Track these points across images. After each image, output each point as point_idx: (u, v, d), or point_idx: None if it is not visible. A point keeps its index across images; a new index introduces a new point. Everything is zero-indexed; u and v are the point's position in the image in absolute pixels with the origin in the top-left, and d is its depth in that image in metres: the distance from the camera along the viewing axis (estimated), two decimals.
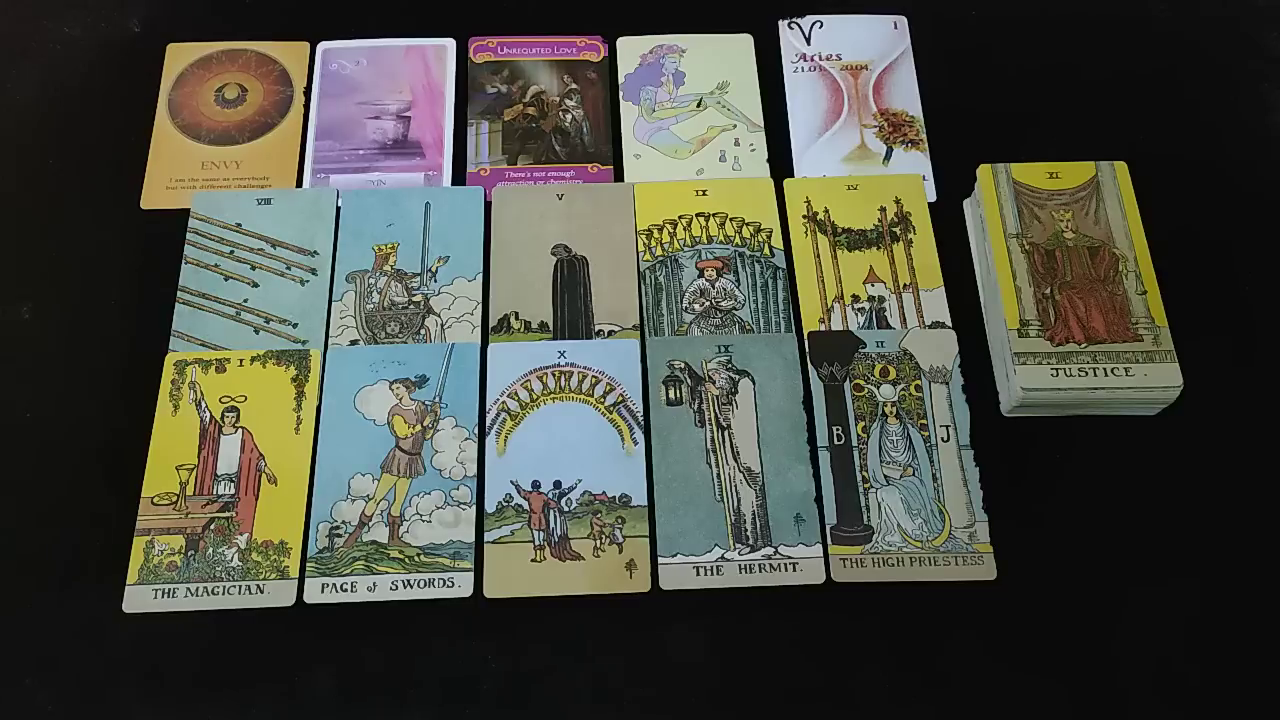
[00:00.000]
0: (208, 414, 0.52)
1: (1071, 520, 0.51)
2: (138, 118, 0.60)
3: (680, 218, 0.57)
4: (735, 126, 0.61)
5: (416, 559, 0.49)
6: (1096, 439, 0.52)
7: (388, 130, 0.60)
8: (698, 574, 0.49)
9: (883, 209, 0.58)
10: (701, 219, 0.57)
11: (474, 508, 0.50)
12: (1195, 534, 0.51)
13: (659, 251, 0.57)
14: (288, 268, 0.56)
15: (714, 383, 0.53)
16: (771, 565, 0.49)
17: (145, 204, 0.58)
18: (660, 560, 0.49)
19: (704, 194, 0.58)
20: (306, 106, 0.61)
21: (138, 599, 0.48)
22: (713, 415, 0.52)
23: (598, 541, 0.50)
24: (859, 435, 0.52)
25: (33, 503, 0.51)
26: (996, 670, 0.47)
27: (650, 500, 0.50)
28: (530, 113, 0.61)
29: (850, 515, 0.50)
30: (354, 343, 0.54)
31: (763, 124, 0.61)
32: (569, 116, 0.61)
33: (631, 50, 0.63)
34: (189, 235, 0.56)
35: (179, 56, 0.62)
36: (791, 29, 0.64)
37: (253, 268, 0.56)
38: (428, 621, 0.48)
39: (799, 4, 0.64)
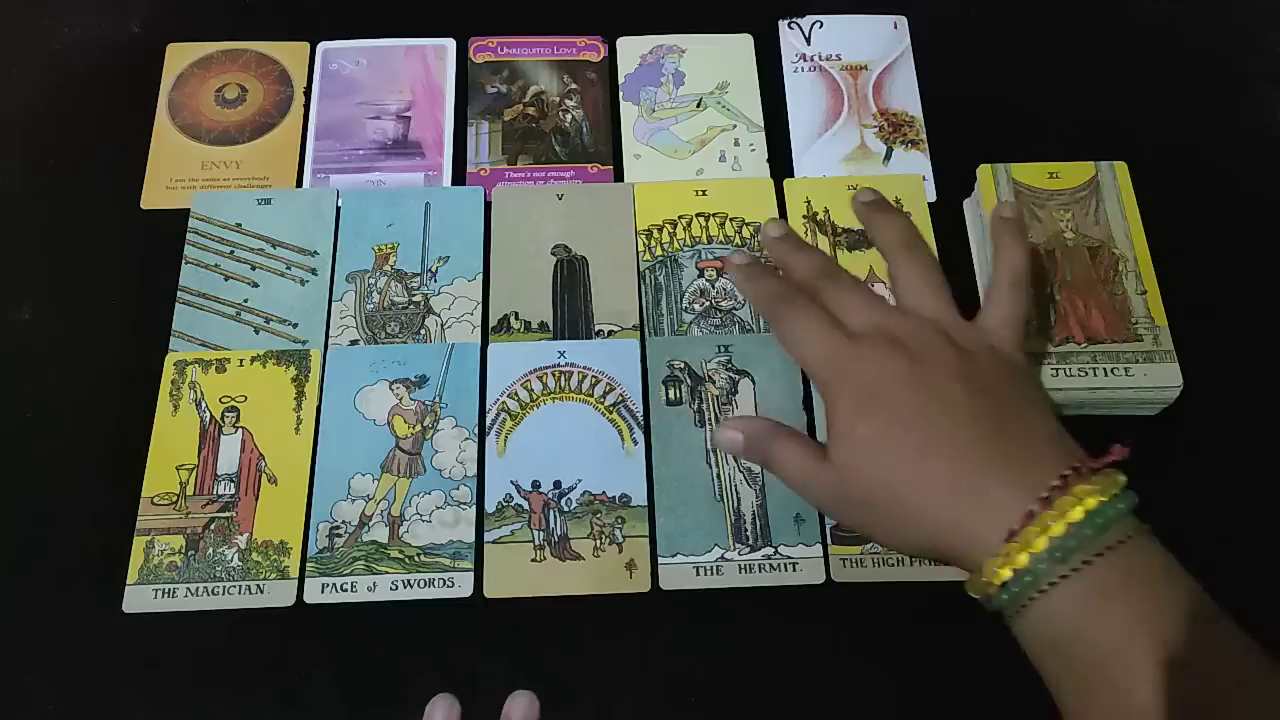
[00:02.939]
0: (208, 414, 0.52)
1: None
2: (138, 118, 0.60)
3: (680, 218, 0.57)
4: (735, 126, 0.61)
5: (416, 559, 0.49)
6: (1096, 439, 0.52)
7: (388, 130, 0.60)
8: (698, 574, 0.49)
9: None
10: (701, 219, 0.57)
11: (474, 508, 0.50)
12: (1195, 534, 0.51)
13: (659, 252, 0.57)
14: (288, 268, 0.56)
15: (714, 383, 0.53)
16: (771, 565, 0.49)
17: (145, 204, 0.58)
18: (660, 560, 0.49)
19: (704, 194, 0.58)
20: (306, 106, 0.61)
21: (138, 599, 0.48)
22: (713, 415, 0.52)
23: (598, 541, 0.50)
24: None
25: (33, 503, 0.51)
26: (997, 670, 0.47)
27: (650, 500, 0.50)
28: (530, 113, 0.61)
29: None
30: (354, 343, 0.54)
31: (763, 124, 0.61)
32: (569, 116, 0.61)
33: (631, 50, 0.63)
34: (189, 235, 0.56)
35: (179, 56, 0.62)
36: (791, 29, 0.64)
37: (253, 268, 0.56)
38: (428, 621, 0.48)
39: (799, 4, 0.64)
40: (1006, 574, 0.38)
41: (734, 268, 0.51)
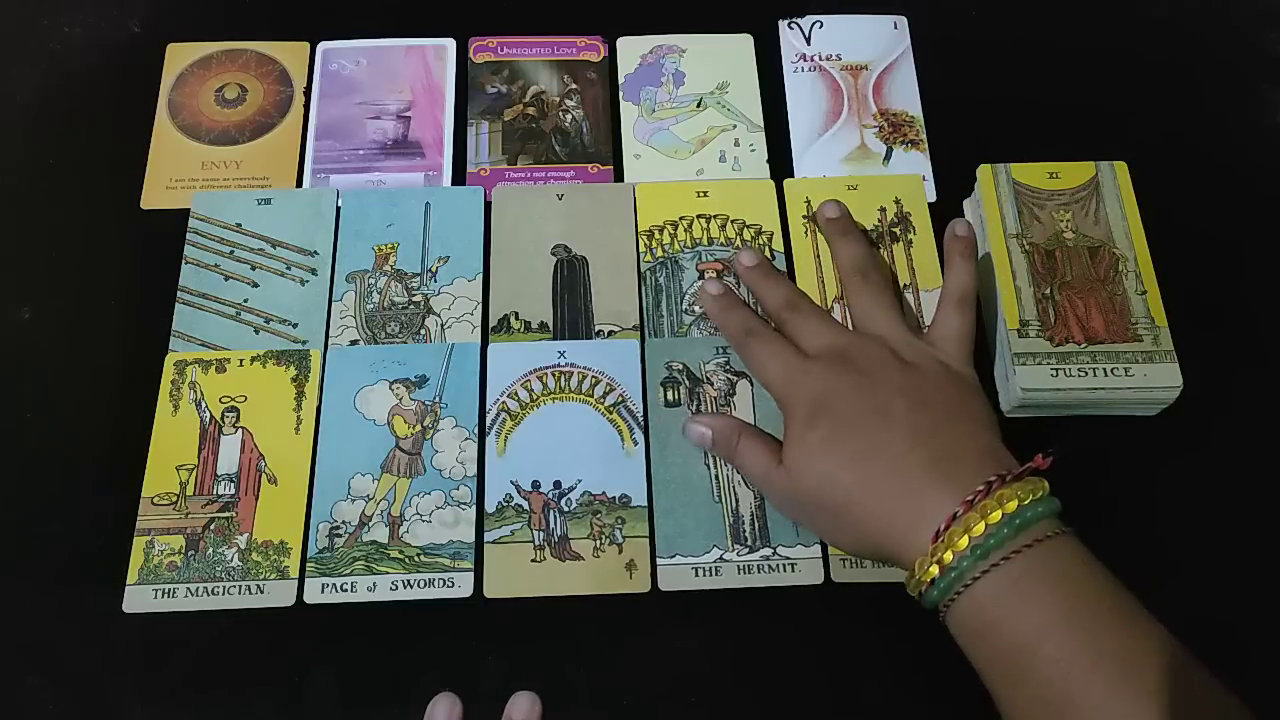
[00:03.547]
0: (208, 414, 0.52)
1: (1071, 520, 0.50)
2: (138, 118, 0.60)
3: (680, 219, 0.57)
4: (735, 127, 0.61)
5: (416, 559, 0.49)
6: (1096, 439, 0.52)
7: (388, 130, 0.60)
8: (697, 574, 0.49)
9: (883, 209, 0.58)
10: (702, 220, 0.57)
11: (474, 508, 0.50)
12: (1195, 535, 0.51)
13: (659, 253, 0.57)
14: (288, 268, 0.56)
15: (712, 385, 0.53)
16: (770, 566, 0.49)
17: (145, 204, 0.58)
18: (659, 561, 0.49)
19: (704, 195, 0.58)
20: (306, 106, 0.61)
21: (138, 599, 0.48)
22: None
23: (598, 542, 0.50)
24: None
25: (33, 503, 0.51)
26: None
27: (650, 501, 0.50)
28: (530, 113, 0.61)
29: None
30: (354, 343, 0.54)
31: (763, 124, 0.61)
32: (569, 116, 0.61)
33: (631, 50, 0.63)
34: (189, 235, 0.56)
35: (179, 56, 0.62)
36: (791, 29, 0.64)
37: (253, 268, 0.56)
38: (428, 621, 0.48)
39: (799, 4, 0.64)
40: (934, 571, 0.41)
41: (708, 298, 0.54)
